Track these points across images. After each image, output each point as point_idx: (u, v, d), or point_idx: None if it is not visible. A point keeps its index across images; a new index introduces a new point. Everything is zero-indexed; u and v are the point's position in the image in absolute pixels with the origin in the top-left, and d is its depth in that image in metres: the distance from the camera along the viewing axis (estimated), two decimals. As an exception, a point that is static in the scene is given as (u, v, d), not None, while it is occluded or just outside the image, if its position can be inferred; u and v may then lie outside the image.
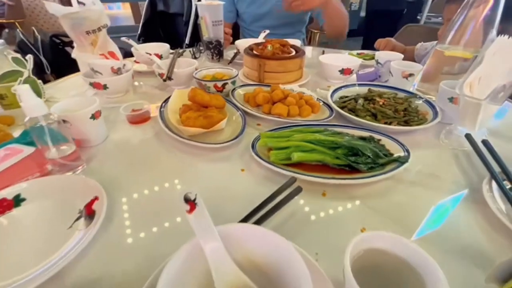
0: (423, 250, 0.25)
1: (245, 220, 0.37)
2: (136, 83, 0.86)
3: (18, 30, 1.21)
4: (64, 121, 0.47)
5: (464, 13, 0.62)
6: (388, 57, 0.84)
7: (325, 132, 0.51)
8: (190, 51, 1.08)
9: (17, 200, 0.40)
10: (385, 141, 0.52)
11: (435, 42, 1.02)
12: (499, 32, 0.50)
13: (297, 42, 1.00)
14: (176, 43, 0.98)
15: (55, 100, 0.76)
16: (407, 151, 0.48)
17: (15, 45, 1.16)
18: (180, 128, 0.55)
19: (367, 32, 2.45)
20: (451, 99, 0.59)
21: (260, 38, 1.04)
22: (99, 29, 0.79)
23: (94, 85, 0.70)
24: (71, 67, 1.27)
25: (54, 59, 1.25)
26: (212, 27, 0.95)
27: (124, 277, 0.32)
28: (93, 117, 0.52)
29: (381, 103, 0.63)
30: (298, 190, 0.40)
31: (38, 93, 0.68)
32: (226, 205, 0.42)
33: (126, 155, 0.54)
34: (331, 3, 1.06)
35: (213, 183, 0.47)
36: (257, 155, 0.48)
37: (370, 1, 2.51)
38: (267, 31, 1.07)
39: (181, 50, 0.91)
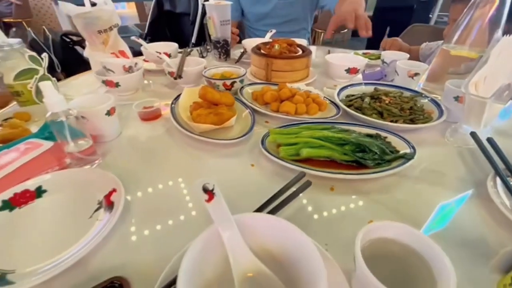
0: (429, 238, 0.27)
1: (257, 212, 0.38)
2: (145, 81, 0.88)
3: (29, 29, 1.24)
4: (81, 117, 0.49)
5: (470, 13, 0.63)
6: (394, 57, 0.85)
7: (332, 129, 0.53)
8: (197, 50, 1.10)
9: (39, 192, 0.42)
10: (391, 138, 0.53)
11: (440, 42, 1.03)
12: (505, 32, 0.51)
13: (303, 41, 1.01)
14: (182, 42, 0.99)
15: (68, 97, 0.78)
16: (413, 148, 0.50)
17: (26, 44, 1.19)
18: (191, 124, 0.57)
19: (374, 32, 2.40)
20: (457, 98, 0.60)
21: (267, 38, 1.05)
22: (111, 29, 0.81)
23: (107, 83, 0.72)
24: (80, 65, 1.30)
25: (64, 57, 1.28)
26: (220, 26, 0.97)
27: (143, 264, 0.34)
28: (108, 113, 0.54)
29: (387, 101, 0.64)
30: (307, 184, 0.41)
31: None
32: (237, 198, 0.43)
33: (139, 151, 0.56)
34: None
35: (224, 177, 0.48)
36: (266, 150, 0.49)
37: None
38: (274, 31, 1.08)
39: (189, 49, 0.93)
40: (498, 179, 0.44)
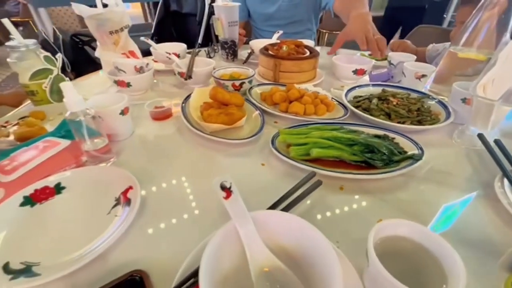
0: (439, 235, 0.28)
1: (270, 209, 0.39)
2: (154, 81, 0.90)
3: (40, 29, 1.26)
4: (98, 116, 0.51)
5: (479, 16, 0.63)
6: (401, 58, 0.85)
7: (341, 130, 0.54)
8: (205, 50, 1.11)
9: (58, 188, 0.43)
10: (399, 139, 0.54)
11: (447, 43, 1.03)
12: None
13: (310, 43, 1.02)
14: (188, 42, 1.01)
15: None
16: (421, 149, 0.50)
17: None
18: (202, 124, 0.58)
19: (384, 32, 2.33)
20: (464, 100, 0.61)
21: (274, 39, 1.06)
22: (121, 29, 0.83)
23: (118, 83, 0.73)
24: (89, 65, 1.32)
25: (74, 57, 1.30)
26: (228, 27, 0.98)
27: (160, 258, 0.35)
28: (122, 112, 0.55)
29: (394, 103, 0.65)
30: (318, 184, 0.42)
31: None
32: (249, 196, 0.44)
33: (151, 149, 0.57)
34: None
35: (235, 176, 0.48)
36: (277, 150, 0.50)
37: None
38: (281, 32, 1.09)
39: (197, 50, 0.94)
40: (505, 180, 0.44)
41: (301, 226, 0.29)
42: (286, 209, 0.39)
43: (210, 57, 1.08)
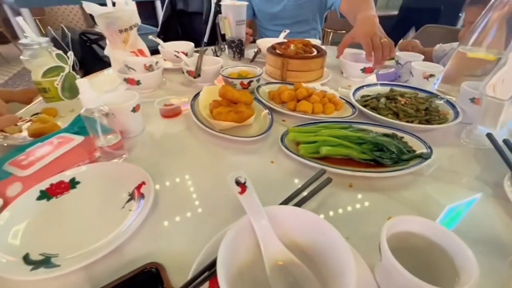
0: (451, 232, 0.28)
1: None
2: (163, 79, 0.91)
3: (49, 27, 1.28)
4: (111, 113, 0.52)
5: (488, 16, 0.63)
6: (408, 58, 0.85)
7: (350, 129, 0.54)
8: (212, 49, 1.12)
9: (73, 183, 0.44)
10: (407, 138, 0.55)
11: (454, 44, 1.03)
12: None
13: (317, 42, 1.02)
14: (193, 41, 1.01)
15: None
16: (430, 147, 0.51)
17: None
18: (212, 122, 0.59)
19: (397, 32, 2.29)
20: (473, 100, 0.61)
21: (281, 38, 1.07)
22: (131, 28, 0.84)
23: (128, 80, 0.74)
24: (97, 63, 1.33)
25: (82, 55, 1.31)
26: (235, 26, 0.99)
27: (174, 250, 0.36)
28: (134, 110, 0.56)
29: (403, 102, 0.65)
30: (328, 181, 0.43)
31: (77, 88, 0.72)
32: (259, 193, 0.45)
33: (162, 146, 0.58)
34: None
35: (246, 173, 0.50)
36: (286, 148, 0.51)
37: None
38: (287, 31, 1.10)
39: (204, 49, 0.95)
40: (515, 180, 0.44)
41: (315, 222, 0.30)
42: (297, 205, 0.40)
43: (217, 56, 1.09)
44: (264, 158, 0.53)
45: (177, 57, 0.87)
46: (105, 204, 0.42)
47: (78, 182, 0.45)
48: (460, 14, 2.33)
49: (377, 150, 0.49)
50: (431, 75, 0.75)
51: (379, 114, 0.62)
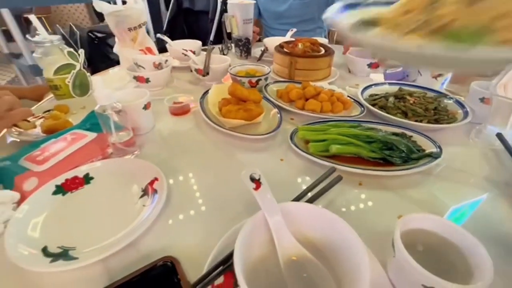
0: (465, 229, 0.28)
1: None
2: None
3: (57, 25, 1.29)
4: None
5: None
6: (416, 57, 0.85)
7: (359, 127, 0.55)
8: (219, 48, 1.13)
9: (87, 178, 0.45)
10: (416, 137, 0.55)
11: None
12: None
13: (324, 41, 1.02)
14: (199, 39, 1.02)
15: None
16: (439, 147, 0.51)
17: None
18: (221, 119, 0.59)
19: None
20: (482, 99, 0.61)
21: (288, 36, 1.07)
22: (140, 26, 0.85)
23: (138, 78, 0.75)
24: (104, 61, 1.34)
25: (90, 53, 1.33)
26: (243, 25, 0.99)
27: (188, 245, 0.37)
28: (145, 107, 0.57)
29: (411, 101, 0.65)
30: (338, 179, 0.43)
31: (87, 85, 0.73)
32: (270, 190, 0.46)
33: (172, 142, 0.59)
34: None
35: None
36: (296, 146, 0.51)
37: None
38: (294, 30, 1.10)
39: (212, 47, 0.95)
40: (525, 179, 0.45)
41: (329, 218, 0.30)
42: (308, 202, 0.40)
43: (223, 54, 1.10)
44: (273, 156, 0.54)
45: (185, 55, 0.87)
46: (118, 199, 0.43)
47: (92, 178, 0.45)
48: None
49: (386, 149, 0.50)
50: (440, 75, 0.75)
51: (387, 113, 0.63)
